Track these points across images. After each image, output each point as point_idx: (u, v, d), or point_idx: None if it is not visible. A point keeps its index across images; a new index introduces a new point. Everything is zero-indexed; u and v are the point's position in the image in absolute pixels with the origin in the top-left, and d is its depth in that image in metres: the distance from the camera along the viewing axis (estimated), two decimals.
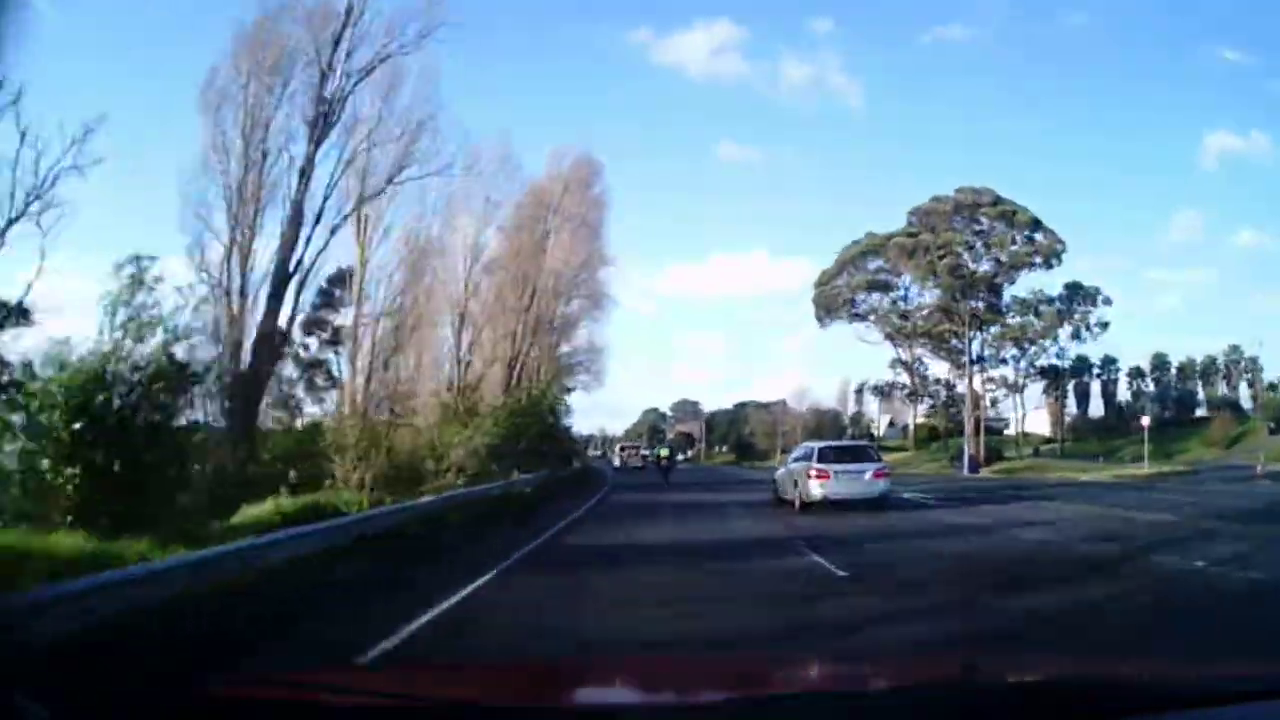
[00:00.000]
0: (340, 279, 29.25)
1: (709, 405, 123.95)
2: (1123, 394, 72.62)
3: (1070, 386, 69.18)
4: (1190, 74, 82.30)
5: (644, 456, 64.39)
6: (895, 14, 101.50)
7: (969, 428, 55.95)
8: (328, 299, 33.32)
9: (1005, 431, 74.11)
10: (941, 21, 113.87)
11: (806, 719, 1.90)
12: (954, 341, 59.26)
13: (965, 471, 50.47)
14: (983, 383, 58.29)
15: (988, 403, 56.87)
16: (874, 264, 67.28)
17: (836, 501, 18.13)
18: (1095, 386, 74.11)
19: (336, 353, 31.18)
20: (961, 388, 59.85)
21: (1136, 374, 72.58)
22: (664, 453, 51.18)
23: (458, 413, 27.02)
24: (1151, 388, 72.82)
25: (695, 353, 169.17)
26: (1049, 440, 68.09)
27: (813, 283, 70.69)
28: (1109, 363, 70.34)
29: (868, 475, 19.07)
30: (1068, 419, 70.51)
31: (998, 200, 60.12)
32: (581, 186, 39.00)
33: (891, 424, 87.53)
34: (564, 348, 46.59)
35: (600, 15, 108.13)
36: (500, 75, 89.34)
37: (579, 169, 38.93)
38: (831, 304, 69.59)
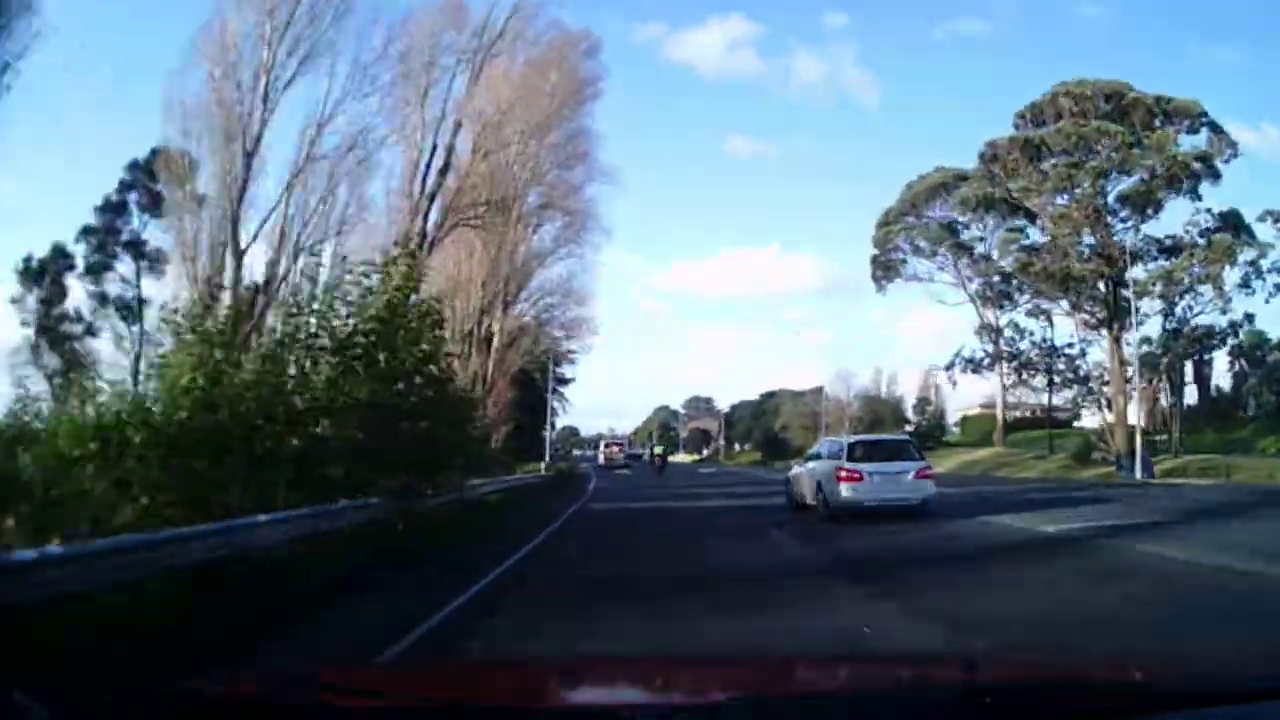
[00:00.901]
0: None
1: (722, 402, 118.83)
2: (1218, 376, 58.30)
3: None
4: (1203, 66, 79.16)
5: (628, 455, 65.05)
6: (909, 8, 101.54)
7: (1126, 409, 42.17)
8: None
9: (1076, 423, 63.04)
10: (956, 15, 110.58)
11: (806, 719, 1.91)
12: (1095, 287, 44.62)
13: (1139, 475, 35.07)
14: (1135, 346, 43.18)
15: (1132, 373, 37.37)
16: (949, 203, 54.06)
17: (871, 509, 15.04)
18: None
19: None
20: (1099, 356, 46.19)
21: (1237, 352, 58.33)
22: (659, 450, 54.78)
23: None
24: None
25: (707, 350, 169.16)
26: (1146, 432, 48.58)
27: (875, 223, 58.62)
28: (1203, 340, 52.95)
29: (909, 476, 16.02)
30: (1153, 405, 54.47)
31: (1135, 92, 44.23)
32: (558, 60, 25.81)
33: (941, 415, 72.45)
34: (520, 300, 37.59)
35: (610, 9, 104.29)
36: None
37: (560, 38, 25.24)
38: (894, 258, 57.98)
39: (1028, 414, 69.73)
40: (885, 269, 54.39)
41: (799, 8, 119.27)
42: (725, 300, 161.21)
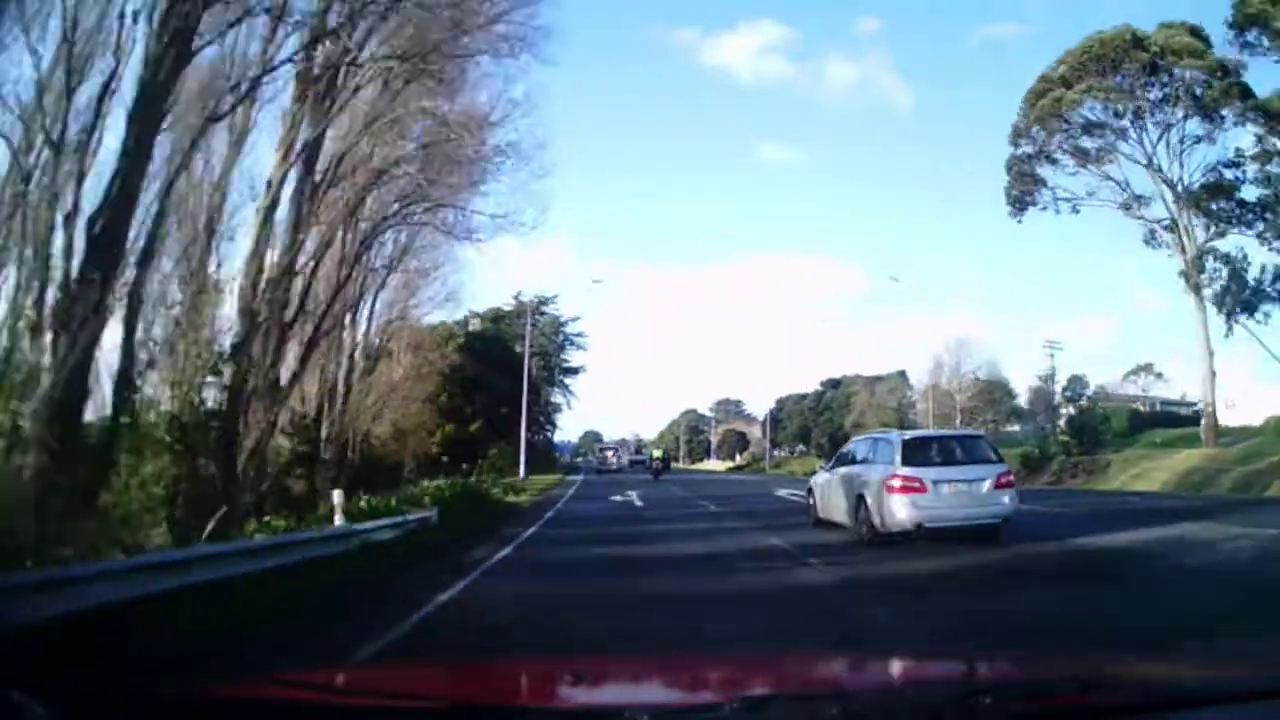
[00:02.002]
0: None
1: (754, 406, 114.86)
2: None
3: None
4: None
5: (633, 460, 73.07)
6: (942, 12, 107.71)
7: None
8: None
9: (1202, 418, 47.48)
10: (990, 19, 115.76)
11: (806, 719, 1.95)
12: None
13: None
14: None
15: None
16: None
17: (937, 529, 12.95)
18: None
19: None
20: None
21: None
22: (657, 454, 55.20)
23: None
24: None
25: (734, 354, 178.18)
26: None
27: (1026, 97, 40.05)
28: None
29: (985, 486, 13.36)
30: None
31: None
32: None
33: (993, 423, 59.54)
34: None
35: (643, 14, 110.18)
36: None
37: None
38: (1036, 170, 39.68)
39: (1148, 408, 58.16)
40: (1027, 182, 33.74)
41: (831, 13, 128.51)
42: (756, 305, 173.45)
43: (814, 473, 20.71)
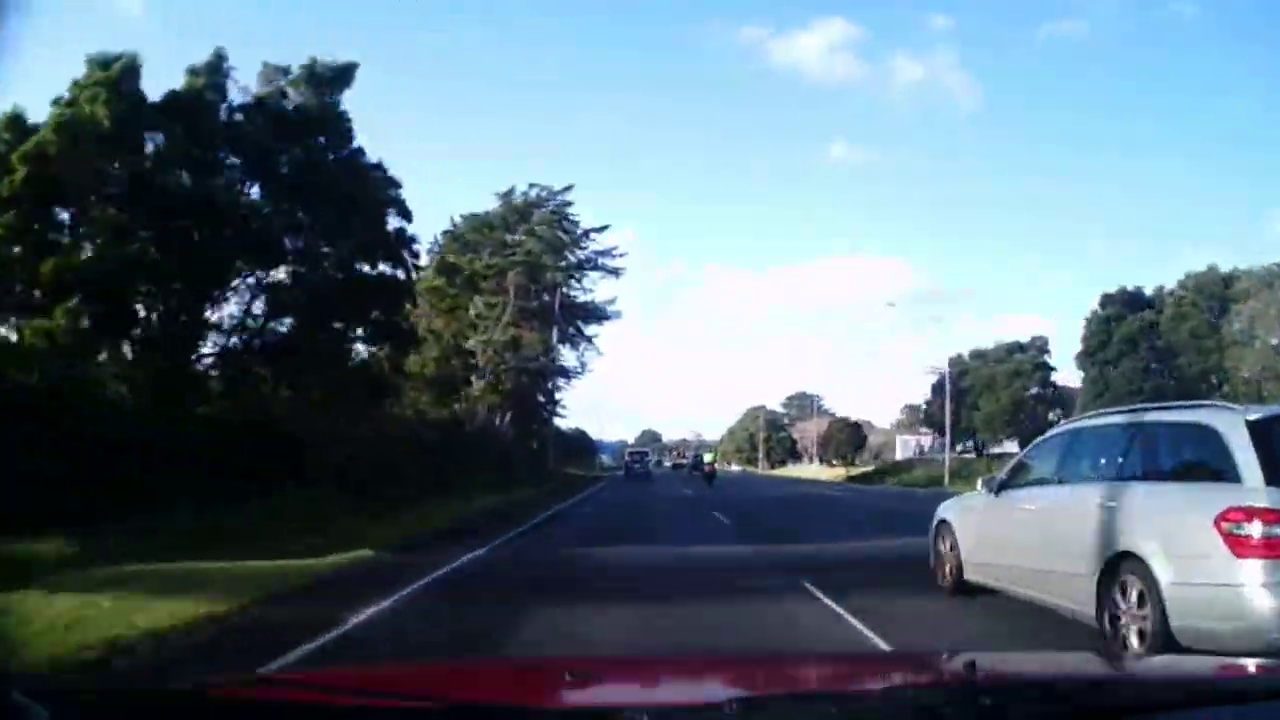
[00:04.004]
0: None
1: (832, 400, 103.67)
2: None
3: None
4: None
5: (646, 463, 79.54)
6: (1011, 9, 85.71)
7: None
8: None
9: None
10: (1057, 16, 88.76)
11: (806, 719, 2.07)
12: None
13: None
14: None
15: None
16: None
17: None
18: None
19: None
20: None
21: None
22: (709, 457, 57.44)
23: None
24: None
25: (804, 353, 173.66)
26: None
27: None
28: None
29: None
30: None
31: None
32: None
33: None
34: None
35: (710, 12, 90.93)
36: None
37: None
38: None
39: None
40: None
41: (901, 11, 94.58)
42: (823, 303, 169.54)
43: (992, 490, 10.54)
